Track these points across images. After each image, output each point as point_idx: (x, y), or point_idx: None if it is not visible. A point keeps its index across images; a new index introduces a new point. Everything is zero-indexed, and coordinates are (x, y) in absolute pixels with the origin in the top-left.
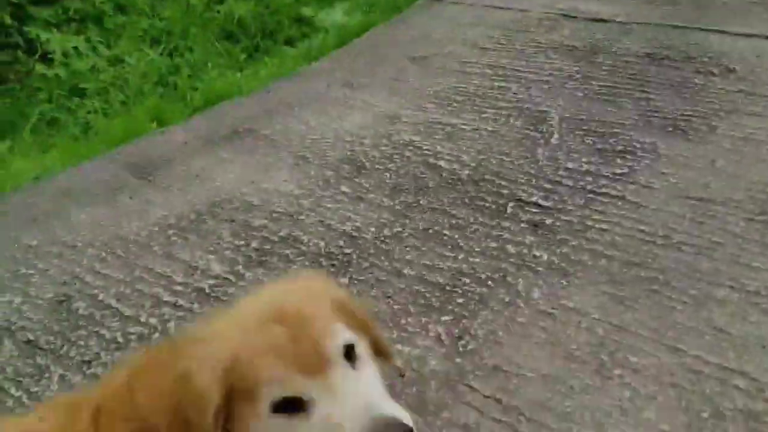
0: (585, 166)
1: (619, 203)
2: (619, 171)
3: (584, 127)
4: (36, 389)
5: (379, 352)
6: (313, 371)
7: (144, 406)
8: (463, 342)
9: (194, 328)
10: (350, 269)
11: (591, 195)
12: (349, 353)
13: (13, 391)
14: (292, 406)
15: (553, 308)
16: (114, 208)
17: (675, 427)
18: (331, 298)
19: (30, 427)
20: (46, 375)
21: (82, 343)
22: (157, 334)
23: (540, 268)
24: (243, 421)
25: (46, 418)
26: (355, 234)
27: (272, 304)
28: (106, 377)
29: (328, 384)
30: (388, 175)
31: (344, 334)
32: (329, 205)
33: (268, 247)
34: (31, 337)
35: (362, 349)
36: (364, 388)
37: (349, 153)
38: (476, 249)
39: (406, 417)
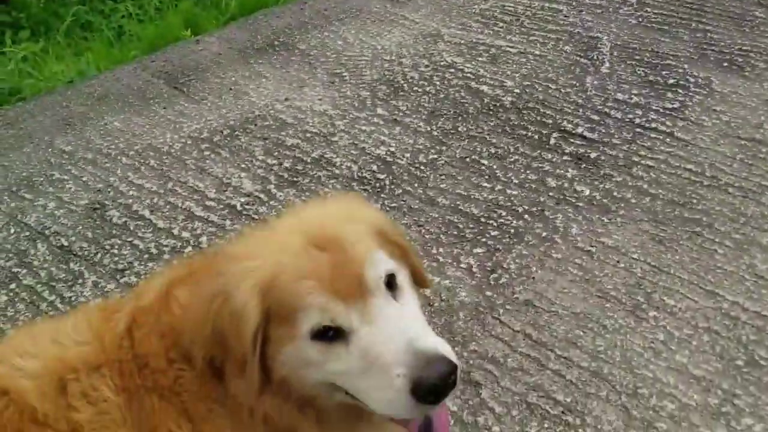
0: (635, 99)
1: (668, 140)
2: (669, 105)
3: (636, 57)
4: (69, 295)
5: (416, 280)
6: (354, 300)
7: (179, 323)
8: (495, 275)
9: (230, 243)
10: (383, 195)
11: (639, 129)
12: (391, 283)
13: (46, 295)
14: (330, 333)
15: (591, 246)
16: (147, 118)
17: (708, 372)
18: (371, 223)
19: (63, 331)
20: (80, 281)
21: (115, 251)
22: (189, 248)
23: (580, 204)
24: (278, 344)
25: (80, 324)
26: (389, 159)
27: (311, 226)
28: (141, 287)
29: (368, 314)
30: (426, 98)
31: (386, 264)
32: (364, 128)
33: (300, 167)
34: (65, 243)
35: (403, 278)
36: (405, 319)
37: (386, 73)
38: (515, 180)
39: (449, 352)
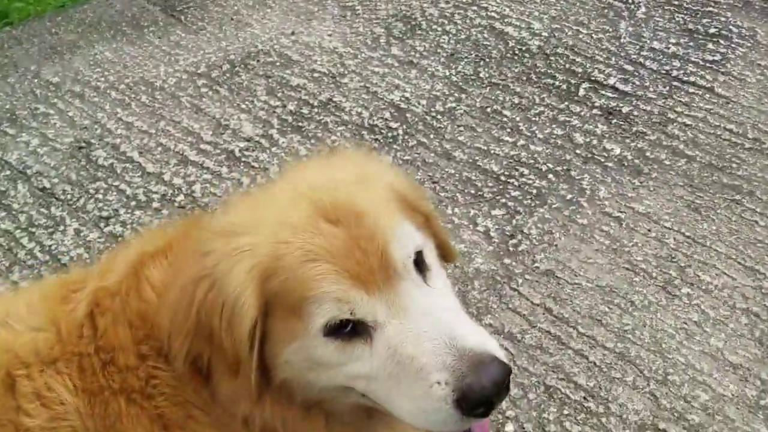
0: (672, 48)
1: (707, 96)
2: (710, 57)
3: (675, 2)
4: (50, 243)
5: (440, 252)
6: (378, 287)
7: (153, 312)
8: (514, 241)
9: (221, 210)
10: (395, 146)
11: (676, 83)
12: (419, 262)
13: (25, 242)
14: (349, 328)
15: (620, 211)
16: (140, 48)
17: (745, 359)
18: (391, 187)
19: (15, 312)
20: (61, 228)
21: (100, 196)
22: (181, 197)
23: (610, 164)
24: (280, 342)
25: (35, 303)
26: (403, 106)
27: (319, 192)
28: (106, 262)
29: (397, 304)
30: (446, 39)
31: (414, 239)
32: (377, 69)
33: (305, 111)
34: (47, 185)
35: (430, 254)
36: (442, 309)
37: (403, 8)
38: (539, 135)
39: (499, 350)
